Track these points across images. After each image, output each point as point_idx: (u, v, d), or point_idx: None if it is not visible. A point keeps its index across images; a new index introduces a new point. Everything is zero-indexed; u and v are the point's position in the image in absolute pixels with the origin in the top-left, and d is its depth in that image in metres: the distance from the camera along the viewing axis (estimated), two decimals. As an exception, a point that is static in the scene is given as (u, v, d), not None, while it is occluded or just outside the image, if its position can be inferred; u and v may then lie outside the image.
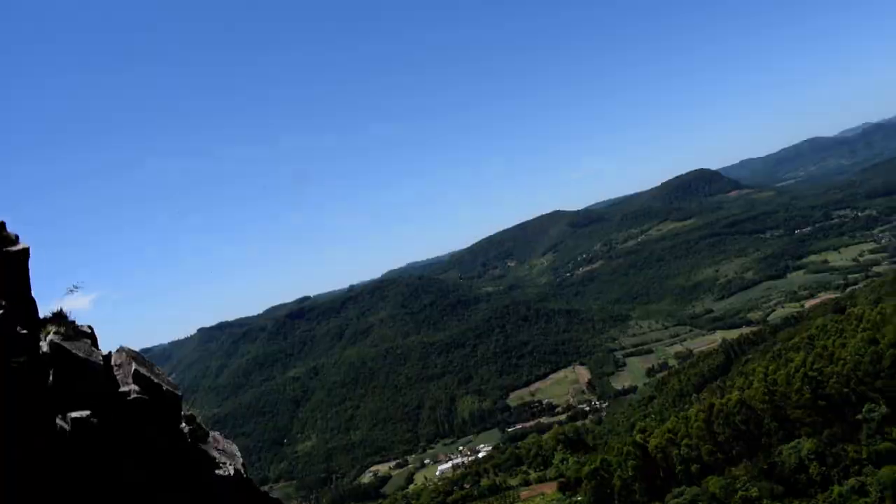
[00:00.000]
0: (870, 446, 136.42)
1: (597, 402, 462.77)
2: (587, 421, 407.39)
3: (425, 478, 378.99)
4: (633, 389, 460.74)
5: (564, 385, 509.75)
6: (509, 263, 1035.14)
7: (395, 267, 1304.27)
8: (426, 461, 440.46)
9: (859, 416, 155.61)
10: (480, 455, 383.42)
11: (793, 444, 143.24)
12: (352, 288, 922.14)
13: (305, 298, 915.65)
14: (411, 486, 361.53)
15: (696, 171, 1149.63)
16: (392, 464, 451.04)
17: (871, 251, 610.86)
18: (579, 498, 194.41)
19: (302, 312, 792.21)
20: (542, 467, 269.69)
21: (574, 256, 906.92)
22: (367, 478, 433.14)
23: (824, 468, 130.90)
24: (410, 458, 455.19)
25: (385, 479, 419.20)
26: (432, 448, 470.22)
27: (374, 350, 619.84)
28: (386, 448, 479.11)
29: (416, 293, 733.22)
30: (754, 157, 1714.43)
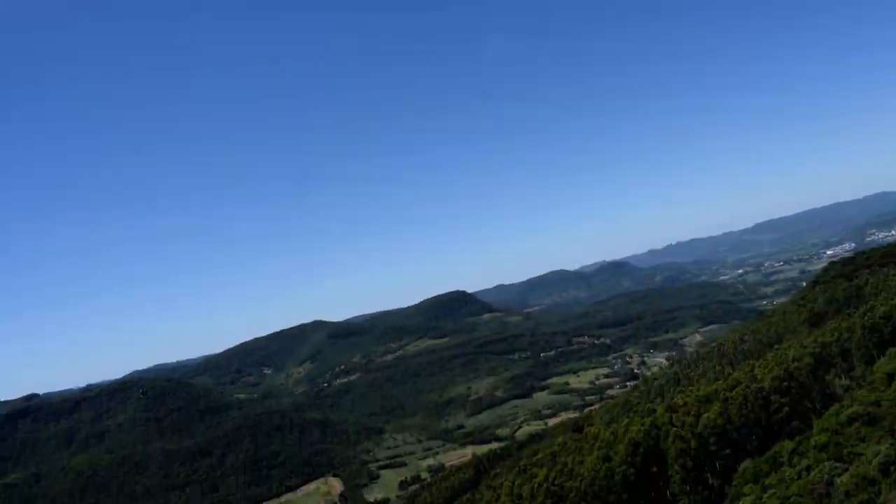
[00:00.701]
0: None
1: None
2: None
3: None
4: (385, 502, 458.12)
5: (316, 497, 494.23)
6: (265, 371, 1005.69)
7: (141, 367, 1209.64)
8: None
9: None
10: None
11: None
12: (89, 387, 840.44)
13: (33, 396, 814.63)
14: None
15: (453, 292, 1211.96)
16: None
17: (606, 375, 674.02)
18: None
19: (27, 411, 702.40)
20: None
21: (332, 367, 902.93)
22: None
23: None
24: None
25: None
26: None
27: (108, 457, 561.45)
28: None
29: (162, 397, 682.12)
30: (507, 283, 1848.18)
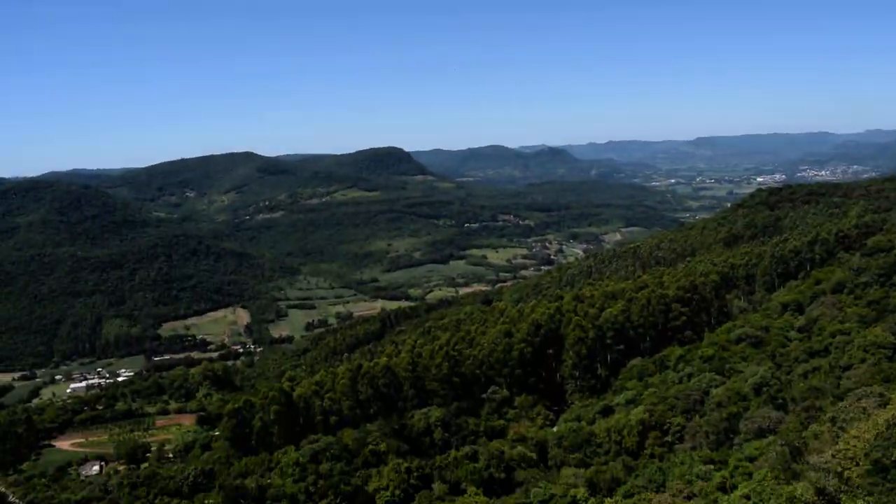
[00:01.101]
0: (487, 422, 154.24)
1: (252, 346, 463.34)
2: (239, 362, 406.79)
3: (53, 394, 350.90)
4: (289, 339, 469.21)
5: (222, 324, 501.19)
6: (188, 194, 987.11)
7: (59, 169, 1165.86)
8: (58, 377, 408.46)
9: (484, 396, 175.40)
10: (120, 379, 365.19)
11: (424, 410, 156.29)
12: (1, 181, 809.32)
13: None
14: (35, 401, 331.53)
15: (390, 147, 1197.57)
16: (17, 374, 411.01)
17: (523, 256, 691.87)
18: (216, 433, 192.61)
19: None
20: (184, 399, 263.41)
21: (257, 201, 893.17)
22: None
23: (447, 434, 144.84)
24: (39, 373, 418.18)
25: (6, 389, 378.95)
26: (67, 365, 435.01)
27: (16, 253, 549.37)
28: (12, 358, 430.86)
29: (77, 203, 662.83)
30: (445, 148, 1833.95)
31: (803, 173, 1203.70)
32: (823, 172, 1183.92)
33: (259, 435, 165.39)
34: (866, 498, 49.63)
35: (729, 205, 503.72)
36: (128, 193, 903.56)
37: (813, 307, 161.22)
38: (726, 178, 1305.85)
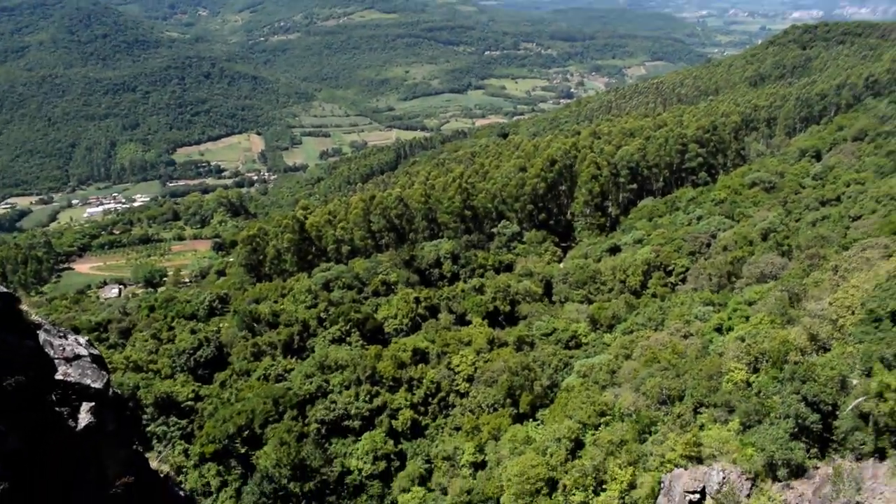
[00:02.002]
0: (495, 256, 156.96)
1: (266, 174, 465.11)
2: (253, 189, 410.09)
3: (71, 218, 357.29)
4: (303, 167, 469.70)
5: (237, 151, 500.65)
6: (201, 12, 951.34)
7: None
8: (74, 202, 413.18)
9: (494, 230, 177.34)
10: (136, 204, 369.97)
11: (435, 243, 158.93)
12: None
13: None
14: (53, 224, 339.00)
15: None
16: (34, 199, 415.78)
17: (543, 88, 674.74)
18: (231, 259, 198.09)
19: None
20: (199, 226, 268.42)
21: (272, 22, 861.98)
22: (2, 209, 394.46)
23: (456, 267, 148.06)
24: (56, 197, 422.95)
25: (24, 213, 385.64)
26: (83, 190, 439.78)
27: (27, 74, 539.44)
28: (29, 182, 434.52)
29: (87, 20, 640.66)
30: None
31: (842, 10, 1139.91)
32: (864, 10, 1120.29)
33: (272, 262, 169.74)
34: (856, 345, 50.72)
35: (759, 41, 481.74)
36: (138, 11, 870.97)
37: (831, 154, 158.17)
38: (760, 11, 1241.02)
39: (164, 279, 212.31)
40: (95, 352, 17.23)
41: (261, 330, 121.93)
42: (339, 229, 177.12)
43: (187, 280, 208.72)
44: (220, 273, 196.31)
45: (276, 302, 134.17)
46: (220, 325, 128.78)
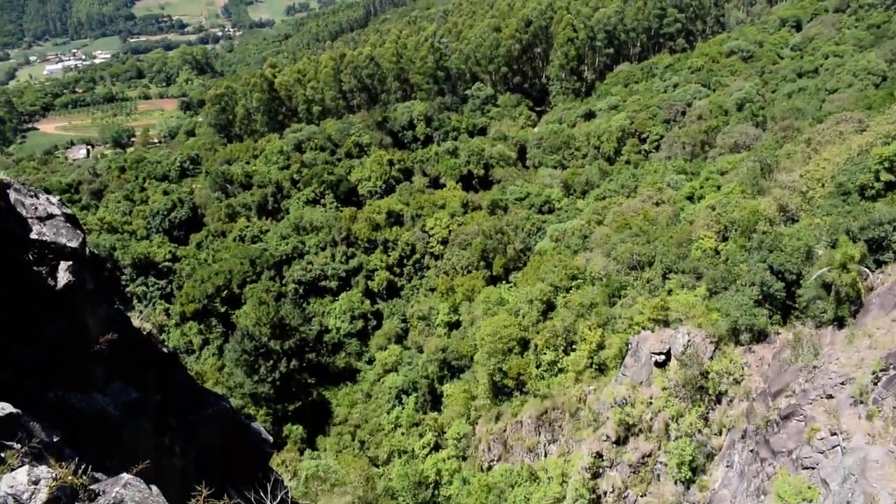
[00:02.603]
0: (469, 119, 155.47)
1: (230, 30, 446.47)
2: (218, 46, 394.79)
3: (30, 76, 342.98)
4: (269, 23, 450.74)
5: (199, 4, 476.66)
6: None
7: None
8: (32, 58, 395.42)
9: (468, 92, 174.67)
10: (97, 61, 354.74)
11: (408, 104, 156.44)
12: None
13: None
14: (13, 83, 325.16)
15: None
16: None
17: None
18: (199, 119, 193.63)
19: None
20: (164, 84, 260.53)
21: None
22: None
23: (429, 129, 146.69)
24: (13, 53, 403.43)
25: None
26: (40, 46, 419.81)
27: None
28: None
29: None
30: None
31: None
32: None
33: (242, 122, 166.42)
34: (824, 218, 52.31)
35: None
36: None
37: (812, 25, 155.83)
38: None
39: (133, 139, 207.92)
40: (68, 211, 16.96)
41: (234, 191, 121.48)
42: (309, 89, 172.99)
43: (156, 140, 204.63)
44: (190, 133, 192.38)
45: (248, 163, 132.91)
46: (193, 186, 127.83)
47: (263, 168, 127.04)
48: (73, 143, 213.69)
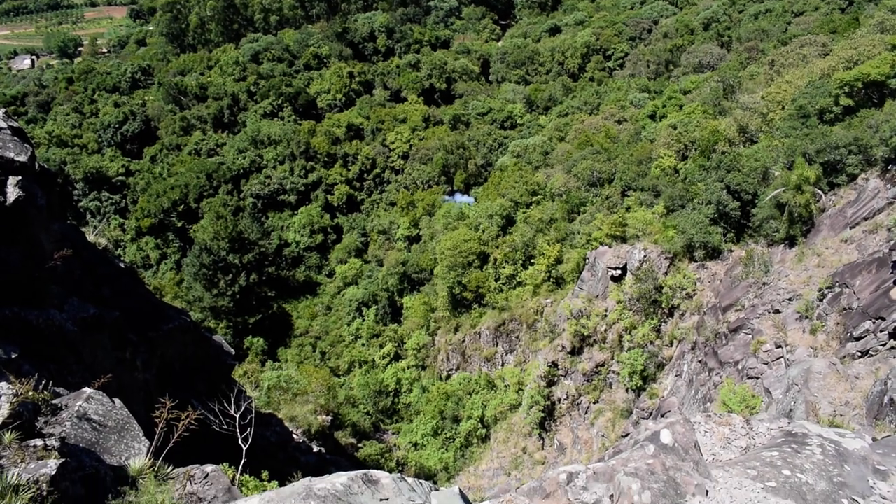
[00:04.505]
0: (433, 31, 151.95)
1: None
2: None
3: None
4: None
5: None
6: None
7: None
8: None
9: (432, 3, 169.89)
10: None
11: (369, 14, 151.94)
12: None
13: None
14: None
15: None
16: None
17: None
18: (150, 28, 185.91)
19: None
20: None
21: None
22: None
23: (391, 41, 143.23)
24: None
25: None
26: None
27: None
28: None
29: None
30: None
31: None
32: None
33: (196, 31, 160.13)
34: (782, 140, 52.99)
35: None
36: None
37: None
38: None
39: (80, 49, 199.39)
40: (15, 124, 16.48)
41: (188, 103, 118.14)
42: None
43: (105, 50, 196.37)
44: (140, 43, 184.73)
45: (202, 74, 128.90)
46: (146, 98, 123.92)
47: (219, 79, 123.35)
48: (16, 53, 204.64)
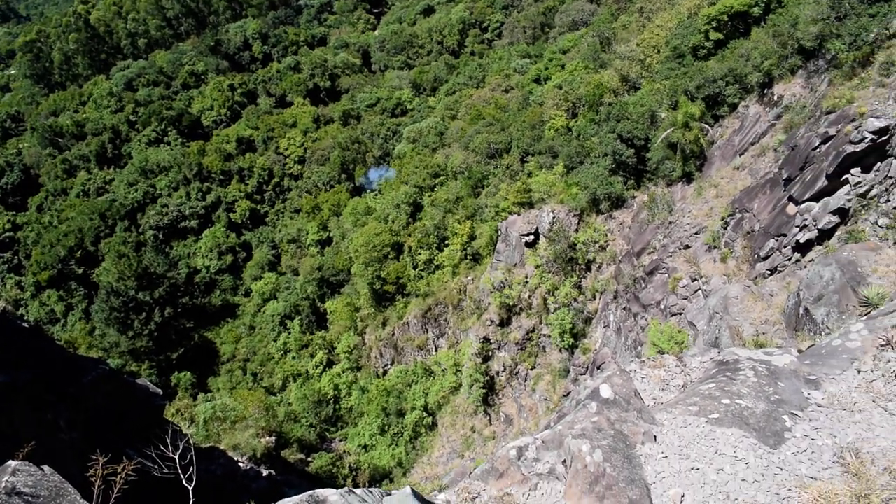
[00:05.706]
0: (307, 30, 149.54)
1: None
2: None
3: None
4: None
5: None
6: None
7: None
8: None
9: (302, 2, 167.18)
10: None
11: (239, 23, 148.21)
12: None
13: None
14: None
15: None
16: None
17: None
18: (13, 72, 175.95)
19: None
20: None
21: None
22: None
23: (267, 47, 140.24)
24: None
25: None
26: None
27: None
28: None
29: None
30: None
31: None
32: None
33: (62, 68, 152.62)
34: (663, 82, 54.37)
35: None
36: None
37: None
38: None
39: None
40: None
41: (67, 144, 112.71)
42: (130, 21, 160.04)
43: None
44: (4, 89, 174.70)
45: (76, 111, 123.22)
46: (20, 145, 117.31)
47: (95, 114, 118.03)
48: None
